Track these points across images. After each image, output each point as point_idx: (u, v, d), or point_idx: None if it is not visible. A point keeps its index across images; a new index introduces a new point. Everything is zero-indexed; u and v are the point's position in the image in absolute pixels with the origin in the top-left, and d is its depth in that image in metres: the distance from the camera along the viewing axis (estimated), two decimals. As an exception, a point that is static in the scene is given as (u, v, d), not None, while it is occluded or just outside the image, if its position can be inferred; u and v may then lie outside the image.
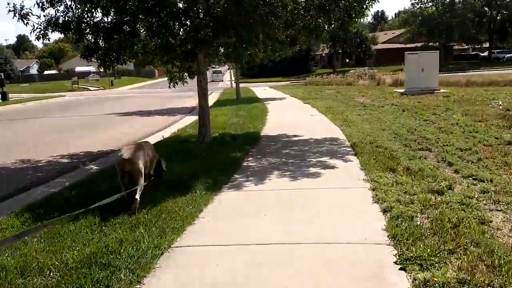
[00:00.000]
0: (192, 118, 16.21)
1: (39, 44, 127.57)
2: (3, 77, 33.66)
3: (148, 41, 8.41)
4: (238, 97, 22.40)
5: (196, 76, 9.44)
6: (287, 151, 8.29)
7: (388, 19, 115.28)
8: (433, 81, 19.19)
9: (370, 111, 13.72)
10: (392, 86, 24.67)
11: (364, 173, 6.02)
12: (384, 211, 4.48)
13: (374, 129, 10.00)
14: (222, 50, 10.04)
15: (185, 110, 20.57)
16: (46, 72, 78.40)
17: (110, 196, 4.10)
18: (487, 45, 63.01)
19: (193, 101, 25.60)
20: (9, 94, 33.85)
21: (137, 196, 4.89)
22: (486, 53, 61.83)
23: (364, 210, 4.64)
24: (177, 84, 10.41)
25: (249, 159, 7.69)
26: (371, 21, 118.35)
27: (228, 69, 77.80)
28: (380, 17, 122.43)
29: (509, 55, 58.37)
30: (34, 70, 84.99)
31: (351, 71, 34.35)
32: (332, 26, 8.74)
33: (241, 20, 7.68)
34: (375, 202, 4.81)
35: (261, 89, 31.98)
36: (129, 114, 19.21)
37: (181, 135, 10.86)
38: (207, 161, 7.29)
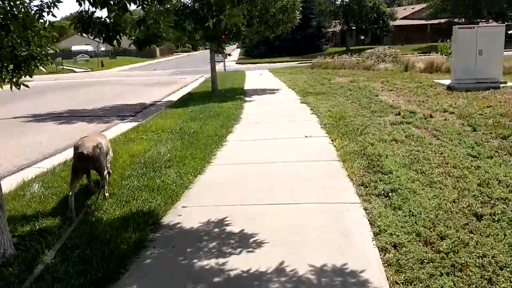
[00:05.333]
0: (128, 126, 10.45)
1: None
2: None
3: None
4: (215, 89, 16.21)
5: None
6: None
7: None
8: (496, 69, 12.86)
9: (413, 129, 7.64)
10: (425, 73, 18.31)
11: None
12: None
13: (457, 221, 3.96)
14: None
15: (138, 108, 14.58)
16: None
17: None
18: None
19: (167, 91, 19.58)
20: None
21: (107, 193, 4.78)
22: (515, 30, 54.31)
23: None
24: None
25: None
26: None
27: (237, 47, 69.39)
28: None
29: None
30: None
31: (367, 50, 27.64)
32: None
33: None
34: None
35: (257, 74, 25.75)
36: (50, 116, 13.28)
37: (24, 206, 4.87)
38: None
